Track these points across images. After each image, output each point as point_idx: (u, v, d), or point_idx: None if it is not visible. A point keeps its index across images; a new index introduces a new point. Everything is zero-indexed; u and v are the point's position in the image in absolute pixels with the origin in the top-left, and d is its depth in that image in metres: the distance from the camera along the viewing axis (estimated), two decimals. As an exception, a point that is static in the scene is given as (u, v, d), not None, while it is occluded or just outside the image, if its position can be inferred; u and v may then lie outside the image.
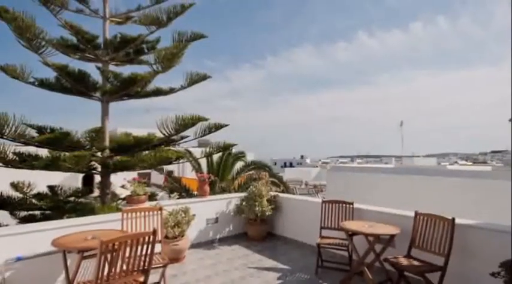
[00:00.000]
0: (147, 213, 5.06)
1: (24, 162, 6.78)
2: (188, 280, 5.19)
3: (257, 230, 7.27)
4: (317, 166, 43.00)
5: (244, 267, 5.72)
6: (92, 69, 8.06)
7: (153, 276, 4.39)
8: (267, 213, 7.09)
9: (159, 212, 5.13)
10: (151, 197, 8.42)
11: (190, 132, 8.17)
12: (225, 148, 9.48)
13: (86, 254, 3.94)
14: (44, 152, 6.97)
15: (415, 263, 4.43)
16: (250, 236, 7.35)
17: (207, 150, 9.11)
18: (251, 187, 7.40)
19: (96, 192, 8.88)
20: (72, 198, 8.28)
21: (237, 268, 5.66)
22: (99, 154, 7.86)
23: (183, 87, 8.73)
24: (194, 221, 6.27)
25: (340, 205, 5.84)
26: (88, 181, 12.32)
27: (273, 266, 5.78)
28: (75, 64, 7.93)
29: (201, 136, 8.29)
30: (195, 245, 6.67)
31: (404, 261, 4.49)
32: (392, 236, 4.72)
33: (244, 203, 7.32)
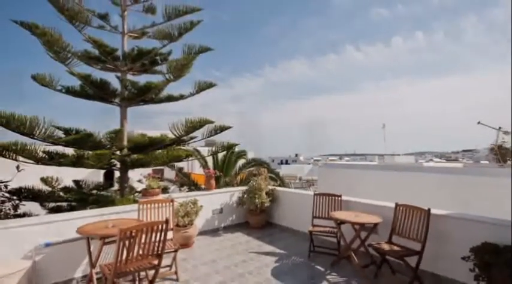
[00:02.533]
0: (160, 204, 5.05)
1: (53, 159, 6.76)
2: (196, 263, 5.19)
3: (257, 219, 7.27)
4: (310, 163, 42.93)
5: (245, 252, 5.71)
6: (112, 78, 8.05)
7: (166, 260, 4.40)
8: (265, 204, 7.10)
9: (171, 203, 5.12)
10: (164, 190, 8.42)
11: (198, 133, 8.14)
12: (229, 147, 9.46)
13: (106, 240, 3.95)
14: (70, 151, 6.96)
15: (396, 248, 4.43)
16: (251, 225, 7.35)
17: (213, 149, 9.08)
18: (252, 181, 7.40)
19: (116, 186, 8.87)
20: (94, 191, 8.27)
21: (239, 253, 5.66)
22: (118, 152, 7.84)
23: (192, 94, 8.70)
24: (202, 212, 6.28)
25: (330, 197, 5.84)
26: (109, 176, 12.34)
27: (271, 251, 5.78)
28: (97, 73, 7.90)
29: (208, 137, 8.26)
30: (202, 233, 6.68)
31: (386, 246, 4.49)
32: (375, 224, 4.74)
33: (245, 195, 7.33)
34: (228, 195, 7.41)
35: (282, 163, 60.71)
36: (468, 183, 8.95)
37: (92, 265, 4.01)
